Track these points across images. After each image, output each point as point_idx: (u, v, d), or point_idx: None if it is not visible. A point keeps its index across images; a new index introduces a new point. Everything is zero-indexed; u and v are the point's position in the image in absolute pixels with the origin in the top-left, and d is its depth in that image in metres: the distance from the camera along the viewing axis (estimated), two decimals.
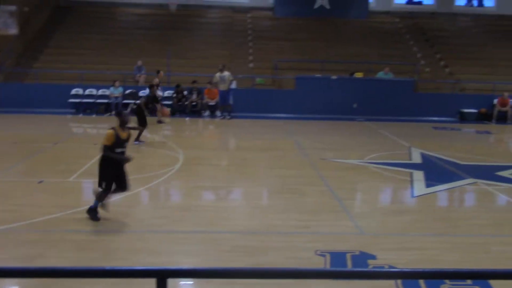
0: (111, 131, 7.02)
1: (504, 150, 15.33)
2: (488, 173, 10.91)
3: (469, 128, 18.50)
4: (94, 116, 19.14)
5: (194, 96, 19.77)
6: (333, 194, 8.85)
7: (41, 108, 19.27)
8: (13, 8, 22.40)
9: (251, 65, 22.82)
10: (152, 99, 14.77)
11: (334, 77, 20.69)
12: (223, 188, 9.30)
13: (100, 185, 7.07)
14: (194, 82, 19.92)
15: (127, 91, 20.06)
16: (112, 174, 7.08)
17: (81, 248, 6.25)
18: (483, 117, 20.61)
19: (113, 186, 7.13)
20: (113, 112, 18.15)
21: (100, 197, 7.12)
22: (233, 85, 19.64)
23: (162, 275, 2.45)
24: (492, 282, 5.32)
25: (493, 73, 22.75)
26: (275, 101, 20.39)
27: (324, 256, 6.12)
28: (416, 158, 12.30)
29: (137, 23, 25.52)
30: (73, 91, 20.11)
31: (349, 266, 5.92)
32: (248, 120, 18.60)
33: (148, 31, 24.71)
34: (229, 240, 6.65)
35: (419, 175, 10.38)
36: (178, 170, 10.36)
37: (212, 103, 19.55)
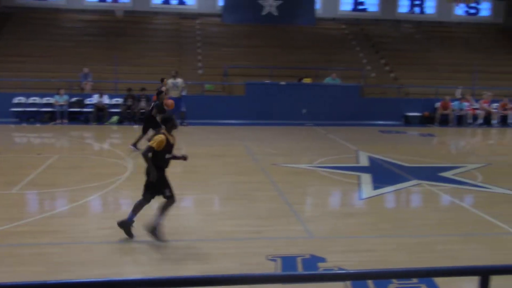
0: (162, 136, 6.55)
1: (446, 152, 15.91)
2: (431, 174, 11.30)
3: (413, 131, 19.12)
4: (38, 125, 18.53)
5: (143, 104, 19.48)
6: (284, 199, 8.92)
7: None
8: None
9: (200, 71, 22.73)
10: (161, 107, 14.19)
11: (283, 83, 20.93)
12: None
13: (163, 193, 6.69)
14: (143, 89, 19.61)
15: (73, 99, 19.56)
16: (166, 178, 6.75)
17: (25, 262, 6.00)
18: (427, 120, 21.38)
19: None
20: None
21: (165, 208, 6.74)
22: (184, 92, 19.49)
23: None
24: (437, 279, 5.51)
25: (435, 77, 23.61)
26: (225, 107, 20.38)
27: (275, 260, 6.16)
28: (364, 161, 12.59)
29: (83, 30, 24.86)
30: (16, 100, 19.43)
31: (300, 270, 5.98)
32: (199, 127, 18.49)
33: (95, 37, 24.12)
34: (180, 248, 6.58)
35: (366, 178, 10.63)
36: (126, 179, 10.14)
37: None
